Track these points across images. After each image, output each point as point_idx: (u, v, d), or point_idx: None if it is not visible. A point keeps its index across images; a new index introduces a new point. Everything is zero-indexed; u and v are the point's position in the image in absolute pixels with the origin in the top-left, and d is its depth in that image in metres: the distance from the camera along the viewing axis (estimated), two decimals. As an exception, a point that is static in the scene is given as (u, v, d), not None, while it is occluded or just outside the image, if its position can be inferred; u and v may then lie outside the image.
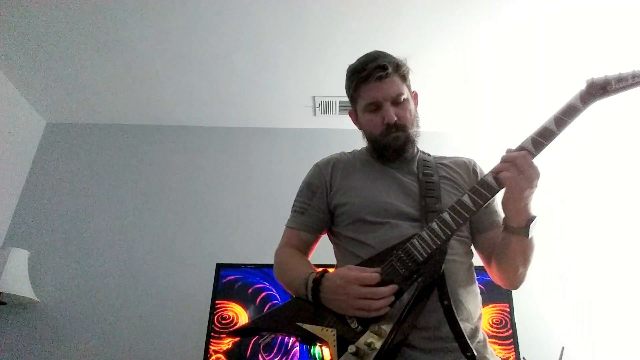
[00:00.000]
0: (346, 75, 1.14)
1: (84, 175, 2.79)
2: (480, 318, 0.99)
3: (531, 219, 0.90)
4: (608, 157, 2.74)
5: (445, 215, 0.90)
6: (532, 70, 2.42)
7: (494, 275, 1.06)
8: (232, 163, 2.87)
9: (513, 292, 2.16)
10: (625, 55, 2.26)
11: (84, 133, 2.94)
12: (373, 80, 1.05)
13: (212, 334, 2.12)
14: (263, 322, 1.02)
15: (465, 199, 0.89)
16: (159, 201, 2.73)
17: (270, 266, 2.36)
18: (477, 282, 1.04)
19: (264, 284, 2.23)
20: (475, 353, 0.83)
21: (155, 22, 2.18)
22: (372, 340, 0.85)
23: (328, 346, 0.89)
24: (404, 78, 1.09)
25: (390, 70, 1.05)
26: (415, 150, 1.16)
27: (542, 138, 0.88)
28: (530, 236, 0.90)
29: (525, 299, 2.23)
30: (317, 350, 2.08)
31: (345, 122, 2.89)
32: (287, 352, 2.09)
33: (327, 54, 2.36)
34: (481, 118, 2.82)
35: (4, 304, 2.28)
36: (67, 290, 2.45)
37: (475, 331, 0.95)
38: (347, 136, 3.04)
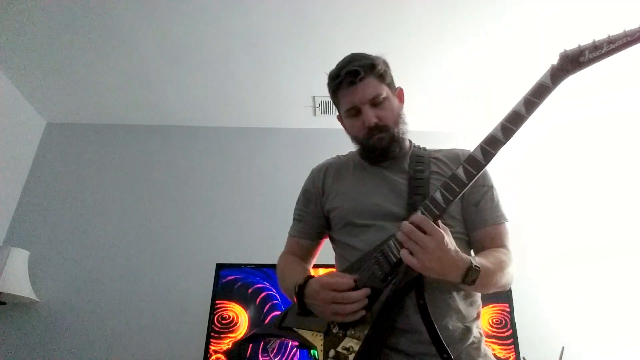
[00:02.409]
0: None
1: (84, 175, 2.79)
2: (476, 319, 0.96)
3: (464, 272, 0.81)
4: (607, 157, 2.75)
5: (417, 214, 0.85)
6: (534, 70, 2.41)
7: None
8: (232, 163, 2.87)
9: (513, 292, 2.16)
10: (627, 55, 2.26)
11: (84, 133, 2.94)
12: (346, 85, 1.04)
13: (212, 334, 2.12)
14: (266, 329, 1.03)
15: (437, 195, 0.84)
16: (159, 201, 2.73)
17: (270, 266, 2.38)
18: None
19: (264, 284, 2.23)
20: (451, 356, 0.80)
21: (156, 23, 2.18)
22: (351, 344, 0.86)
23: (317, 350, 0.91)
24: (381, 77, 1.06)
25: (362, 73, 1.03)
26: (408, 146, 1.13)
27: (512, 124, 0.82)
28: (474, 282, 0.82)
29: (525, 299, 2.23)
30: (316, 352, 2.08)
31: (345, 122, 2.91)
32: (287, 352, 2.08)
33: (327, 54, 2.36)
34: (483, 118, 2.82)
35: (4, 304, 2.28)
36: (67, 290, 2.45)
37: (466, 332, 0.92)
38: (347, 136, 3.05)
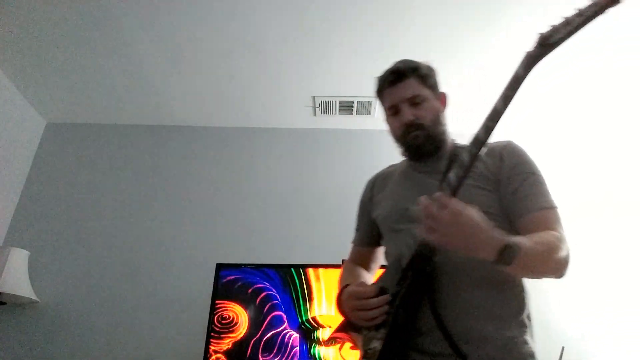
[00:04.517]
0: None
1: (84, 175, 2.79)
2: (515, 316, 0.92)
3: (499, 249, 0.78)
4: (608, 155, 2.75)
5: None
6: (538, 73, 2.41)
7: None
8: (232, 163, 2.87)
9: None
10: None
11: (84, 133, 2.94)
12: (388, 85, 1.10)
13: (212, 334, 2.12)
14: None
15: (451, 175, 0.85)
16: (159, 201, 2.73)
17: (270, 266, 2.37)
18: (518, 281, 0.98)
19: (264, 284, 2.23)
20: (466, 356, 0.80)
21: (156, 23, 2.18)
22: (376, 344, 0.92)
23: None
24: (423, 79, 1.09)
25: (402, 73, 1.07)
26: (449, 147, 1.11)
27: (491, 121, 0.84)
28: (511, 262, 0.79)
29: (525, 299, 2.23)
30: (316, 350, 2.08)
31: (345, 122, 2.92)
32: (287, 352, 2.09)
33: (327, 54, 2.36)
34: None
35: (4, 304, 2.28)
36: (67, 290, 2.45)
37: (496, 331, 0.89)
38: (347, 136, 3.05)
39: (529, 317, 0.96)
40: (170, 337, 2.33)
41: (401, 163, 1.22)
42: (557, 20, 0.77)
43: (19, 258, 2.32)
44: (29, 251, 2.41)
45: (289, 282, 2.22)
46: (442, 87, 1.16)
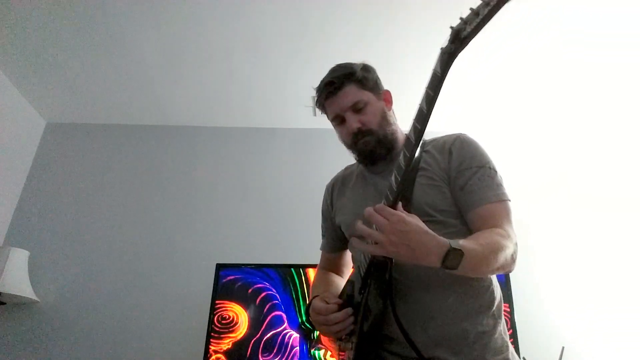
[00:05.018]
0: None
1: (84, 175, 2.79)
2: (484, 312, 0.92)
3: (442, 255, 0.76)
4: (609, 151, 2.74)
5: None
6: (535, 71, 2.42)
7: None
8: (232, 163, 2.87)
9: (513, 292, 2.16)
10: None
11: (84, 133, 2.94)
12: (327, 96, 1.09)
13: (212, 334, 2.12)
14: None
15: (392, 179, 0.84)
16: (159, 201, 2.73)
17: (270, 266, 2.37)
18: (481, 278, 0.95)
19: (264, 284, 2.23)
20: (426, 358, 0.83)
21: (155, 22, 2.18)
22: (349, 353, 0.95)
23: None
24: (360, 83, 1.07)
25: (337, 83, 1.06)
26: (403, 144, 1.11)
27: (419, 122, 0.79)
28: (457, 266, 0.77)
29: (525, 299, 2.23)
30: (316, 350, 2.08)
31: (345, 122, 2.91)
32: (287, 352, 2.09)
33: (327, 54, 2.36)
34: (486, 118, 2.82)
35: (4, 304, 2.28)
36: (67, 290, 2.45)
37: (467, 330, 0.89)
38: (347, 136, 3.05)
39: (499, 309, 0.96)
40: (170, 337, 2.33)
41: (357, 164, 1.20)
42: (466, 12, 0.73)
43: (19, 258, 2.32)
44: (29, 251, 2.42)
45: (289, 282, 2.22)
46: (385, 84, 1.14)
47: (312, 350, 2.07)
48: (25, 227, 2.60)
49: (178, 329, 2.34)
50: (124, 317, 2.39)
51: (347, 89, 1.06)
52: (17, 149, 2.69)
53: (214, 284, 2.23)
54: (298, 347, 2.09)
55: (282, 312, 2.16)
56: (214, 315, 2.16)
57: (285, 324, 2.14)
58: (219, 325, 2.14)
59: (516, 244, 0.91)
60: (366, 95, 1.07)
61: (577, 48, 2.25)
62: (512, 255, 0.89)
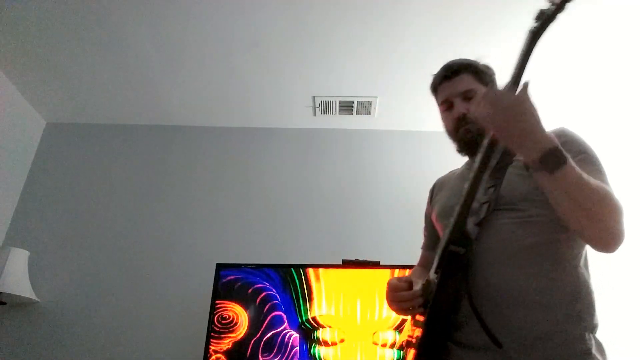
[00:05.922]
0: None
1: (84, 175, 2.79)
2: (561, 308, 0.86)
3: (544, 151, 0.75)
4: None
5: (457, 206, 0.90)
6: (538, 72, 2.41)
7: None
8: (232, 163, 2.87)
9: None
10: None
11: (84, 133, 2.94)
12: (441, 80, 1.10)
13: (212, 334, 2.12)
14: None
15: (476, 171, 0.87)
16: (159, 201, 2.73)
17: (270, 266, 2.37)
18: (569, 268, 0.95)
19: (264, 284, 2.23)
20: (501, 345, 0.78)
21: (155, 22, 2.18)
22: (418, 333, 0.94)
23: None
24: (477, 75, 1.09)
25: (455, 68, 1.08)
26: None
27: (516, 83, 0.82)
28: (555, 170, 0.75)
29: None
30: (316, 350, 2.08)
31: (345, 122, 2.91)
32: (287, 352, 2.09)
33: (327, 54, 2.36)
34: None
35: (4, 304, 2.28)
36: (67, 290, 2.45)
37: (545, 323, 0.83)
38: (347, 136, 3.05)
39: (589, 311, 0.89)
40: (170, 337, 2.33)
41: (461, 169, 1.20)
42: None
43: (19, 258, 2.32)
44: (29, 251, 2.42)
45: (289, 282, 2.22)
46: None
47: (312, 350, 2.07)
48: (25, 227, 2.60)
49: (178, 329, 2.34)
50: (124, 317, 2.39)
51: (463, 76, 1.08)
52: (17, 149, 2.69)
53: (214, 284, 2.23)
54: (298, 347, 2.09)
55: (282, 312, 2.16)
56: (214, 315, 2.15)
57: (286, 324, 2.14)
58: (219, 325, 2.14)
59: (624, 221, 0.87)
60: (479, 88, 1.07)
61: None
62: (619, 215, 0.85)
